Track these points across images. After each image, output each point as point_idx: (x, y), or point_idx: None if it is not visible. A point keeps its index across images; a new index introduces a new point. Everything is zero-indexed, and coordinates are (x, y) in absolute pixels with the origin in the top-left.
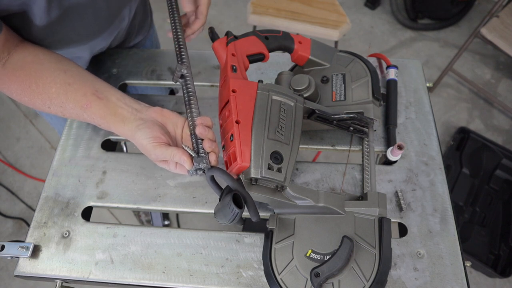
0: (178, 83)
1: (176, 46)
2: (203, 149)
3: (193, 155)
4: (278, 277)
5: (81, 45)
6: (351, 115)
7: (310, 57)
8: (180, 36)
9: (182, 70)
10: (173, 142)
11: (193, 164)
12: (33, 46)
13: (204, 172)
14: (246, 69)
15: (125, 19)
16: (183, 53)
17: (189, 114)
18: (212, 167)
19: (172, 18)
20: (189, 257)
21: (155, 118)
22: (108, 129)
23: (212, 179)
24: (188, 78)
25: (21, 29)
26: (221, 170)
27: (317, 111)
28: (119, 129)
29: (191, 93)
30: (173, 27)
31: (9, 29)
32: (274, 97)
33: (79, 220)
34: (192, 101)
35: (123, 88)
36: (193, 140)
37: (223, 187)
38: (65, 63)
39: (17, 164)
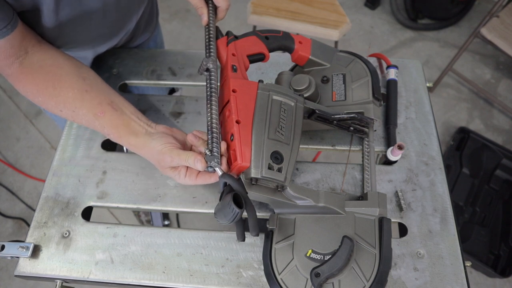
0: (202, 75)
1: (207, 39)
2: (216, 148)
3: (206, 153)
4: (278, 277)
5: (87, 47)
6: (351, 115)
7: (310, 57)
8: (211, 31)
9: (208, 64)
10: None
11: (206, 163)
12: (53, 49)
13: (214, 170)
14: (246, 69)
15: (133, 22)
16: (211, 47)
17: (208, 109)
18: (225, 173)
19: (208, 12)
20: (189, 257)
21: (164, 131)
22: (116, 140)
23: (225, 185)
24: (213, 72)
25: (31, 27)
26: (234, 178)
27: (317, 111)
28: (130, 140)
29: (213, 88)
30: (207, 20)
31: (26, 26)
32: (275, 97)
33: (79, 220)
34: (213, 97)
35: (124, 88)
36: (209, 137)
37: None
38: (84, 70)
39: (17, 164)
